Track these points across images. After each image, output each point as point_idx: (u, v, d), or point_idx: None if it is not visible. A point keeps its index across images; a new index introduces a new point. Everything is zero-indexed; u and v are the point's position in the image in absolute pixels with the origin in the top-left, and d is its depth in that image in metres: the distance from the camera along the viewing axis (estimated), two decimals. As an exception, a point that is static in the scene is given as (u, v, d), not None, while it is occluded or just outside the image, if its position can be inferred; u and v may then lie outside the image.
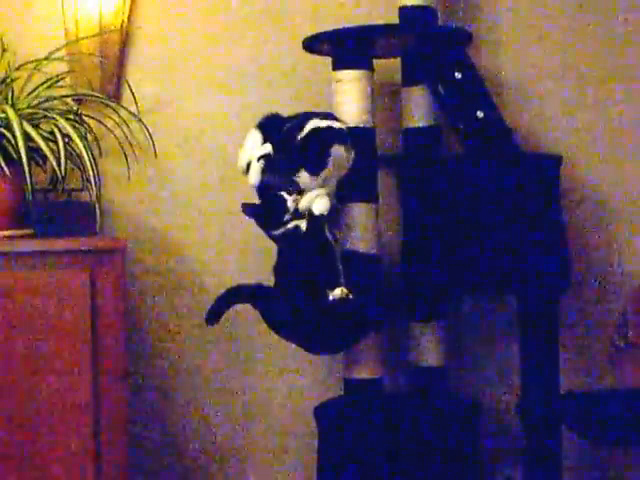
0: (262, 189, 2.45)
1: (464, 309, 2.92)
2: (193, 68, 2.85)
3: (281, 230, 2.44)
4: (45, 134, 2.40)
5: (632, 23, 2.99)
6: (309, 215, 2.43)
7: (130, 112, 2.68)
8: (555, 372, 2.57)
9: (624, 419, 2.45)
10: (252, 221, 2.46)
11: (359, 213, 2.57)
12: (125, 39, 2.79)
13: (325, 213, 2.44)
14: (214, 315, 2.53)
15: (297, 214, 2.44)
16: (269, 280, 2.52)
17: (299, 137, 2.41)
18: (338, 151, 2.43)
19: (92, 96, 2.66)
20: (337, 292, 2.42)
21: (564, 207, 2.65)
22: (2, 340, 2.24)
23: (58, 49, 2.60)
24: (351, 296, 2.43)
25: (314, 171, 2.42)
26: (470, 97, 2.59)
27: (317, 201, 2.43)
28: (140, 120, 2.68)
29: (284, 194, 2.41)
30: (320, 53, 2.67)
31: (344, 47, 2.55)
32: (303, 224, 2.44)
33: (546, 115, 2.99)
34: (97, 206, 2.47)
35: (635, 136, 3.01)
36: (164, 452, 2.86)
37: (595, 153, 3.01)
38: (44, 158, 2.42)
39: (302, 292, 2.43)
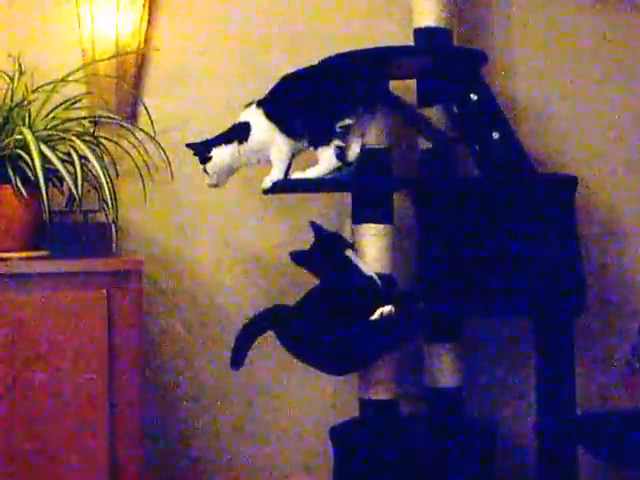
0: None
1: (480, 329, 2.91)
2: (210, 90, 2.86)
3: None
4: (62, 156, 2.40)
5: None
6: None
7: (146, 133, 2.68)
8: (571, 392, 2.56)
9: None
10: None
11: (374, 233, 2.58)
12: (141, 61, 2.80)
13: None
14: (238, 357, 2.46)
15: None
16: (283, 301, 2.53)
17: None
18: None
19: (108, 118, 2.66)
20: (387, 309, 2.41)
21: (579, 228, 2.64)
22: (18, 361, 2.24)
23: (75, 71, 2.61)
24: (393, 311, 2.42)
25: None
26: (485, 118, 2.59)
27: None
28: (156, 141, 2.68)
29: None
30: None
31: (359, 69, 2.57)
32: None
33: (561, 136, 2.99)
34: (113, 227, 2.48)
35: (650, 157, 3.02)
36: (176, 469, 2.87)
37: (610, 174, 3.01)
38: (61, 179, 2.44)
39: (342, 310, 2.43)
